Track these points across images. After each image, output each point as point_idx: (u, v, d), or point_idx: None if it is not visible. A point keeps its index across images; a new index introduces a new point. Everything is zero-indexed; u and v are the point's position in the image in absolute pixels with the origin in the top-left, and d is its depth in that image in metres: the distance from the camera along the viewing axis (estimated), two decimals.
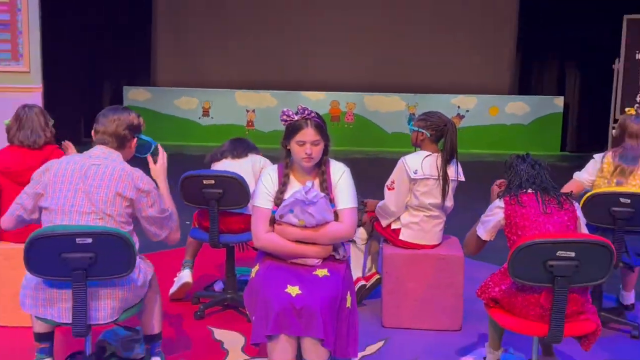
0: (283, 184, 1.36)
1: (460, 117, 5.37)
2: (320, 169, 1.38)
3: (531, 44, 5.72)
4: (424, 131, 1.63)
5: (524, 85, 5.80)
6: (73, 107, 5.09)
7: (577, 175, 1.78)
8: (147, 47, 5.76)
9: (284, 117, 1.31)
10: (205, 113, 5.52)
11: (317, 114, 1.32)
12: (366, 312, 1.80)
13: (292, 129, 1.30)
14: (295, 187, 1.36)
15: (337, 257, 1.41)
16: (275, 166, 1.46)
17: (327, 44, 5.78)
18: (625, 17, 4.29)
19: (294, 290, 1.26)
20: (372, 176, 2.65)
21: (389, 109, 5.53)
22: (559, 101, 5.53)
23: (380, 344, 1.68)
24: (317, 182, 1.38)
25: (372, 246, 1.95)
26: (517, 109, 5.54)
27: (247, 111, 5.51)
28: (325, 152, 1.34)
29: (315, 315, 1.22)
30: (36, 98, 3.33)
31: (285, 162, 1.38)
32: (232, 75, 5.80)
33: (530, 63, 5.79)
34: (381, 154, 4.91)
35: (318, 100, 5.48)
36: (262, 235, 1.36)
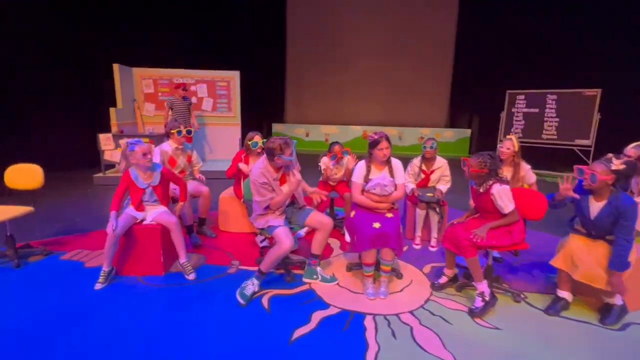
0: (368, 171, 2.75)
1: (420, 139, 11.59)
2: (387, 162, 2.76)
3: (457, 103, 11.77)
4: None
5: (452, 122, 11.86)
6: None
7: None
8: (283, 101, 12.43)
9: (371, 136, 2.71)
10: (307, 135, 12.10)
11: (385, 134, 2.72)
12: None
13: (375, 143, 2.68)
14: (374, 172, 2.74)
15: (394, 207, 2.79)
16: (364, 161, 2.83)
17: (360, 100, 12.18)
18: (508, 91, 8.38)
19: (376, 224, 2.58)
20: None
21: (388, 133, 11.79)
22: (468, 131, 11.56)
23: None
24: (387, 170, 2.75)
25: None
26: (449, 135, 11.68)
27: (325, 134, 12.07)
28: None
29: (390, 236, 2.53)
30: (237, 130, 8.24)
31: (369, 159, 2.79)
32: (319, 116, 12.32)
33: (454, 113, 11.85)
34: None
35: (357, 130, 11.89)
36: (358, 197, 2.77)
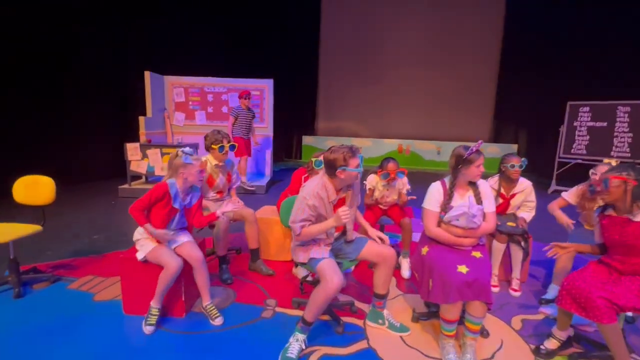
0: (449, 195, 2.08)
1: None
2: (472, 184, 2.12)
3: (502, 115, 10.86)
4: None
5: (496, 136, 10.94)
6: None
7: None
8: (314, 113, 12.00)
9: (465, 149, 2.05)
10: None
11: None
12: None
13: (470, 158, 2.03)
14: (456, 198, 2.11)
15: (480, 243, 2.13)
16: (440, 182, 2.19)
17: (395, 112, 11.53)
18: (569, 102, 7.19)
19: (463, 268, 1.88)
20: (416, 180, 4.05)
21: (425, 147, 11.04)
22: (515, 147, 10.62)
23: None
24: (472, 194, 2.12)
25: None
26: (493, 150, 10.76)
27: (358, 148, 11.42)
28: None
29: (484, 286, 1.84)
30: (269, 139, 7.40)
31: (451, 179, 2.13)
32: (352, 129, 11.76)
33: (499, 127, 10.94)
34: (421, 170, 10.47)
35: (391, 143, 11.20)
36: (434, 230, 2.11)
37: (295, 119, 11.17)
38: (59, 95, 6.12)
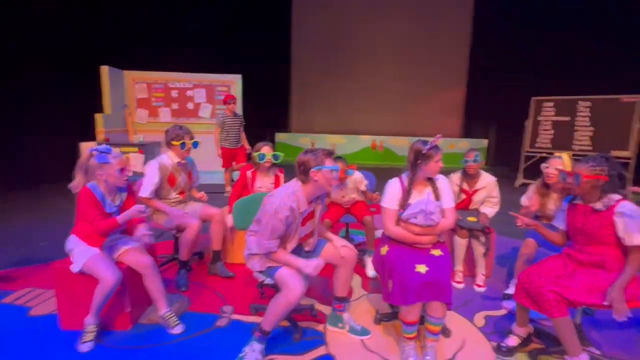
0: (407, 193, 1.99)
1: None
2: (430, 180, 2.04)
3: (472, 111, 11.07)
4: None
5: (466, 132, 11.16)
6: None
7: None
8: (287, 109, 11.80)
9: (422, 144, 1.97)
10: (313, 145, 11.41)
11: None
12: None
13: (429, 153, 1.95)
14: (414, 195, 2.01)
15: (441, 240, 2.05)
16: (398, 179, 2.06)
17: (369, 109, 11.52)
18: (533, 98, 7.31)
19: (422, 268, 1.79)
20: (389, 176, 4.15)
21: (398, 143, 11.09)
22: (485, 142, 10.84)
23: None
24: (430, 190, 2.03)
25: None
26: (464, 145, 10.94)
27: (332, 145, 11.36)
28: None
29: (444, 286, 1.76)
30: None
31: (409, 176, 2.03)
32: (326, 125, 11.66)
33: (470, 122, 11.15)
34: (394, 166, 10.51)
35: (365, 140, 11.18)
36: (393, 229, 2.02)
37: (268, 116, 10.94)
38: (7, 92, 5.67)
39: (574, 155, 6.94)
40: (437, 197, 2.05)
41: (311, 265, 1.84)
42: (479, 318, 2.41)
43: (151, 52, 7.49)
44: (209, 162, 6.58)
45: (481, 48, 10.16)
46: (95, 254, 2.05)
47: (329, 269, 2.93)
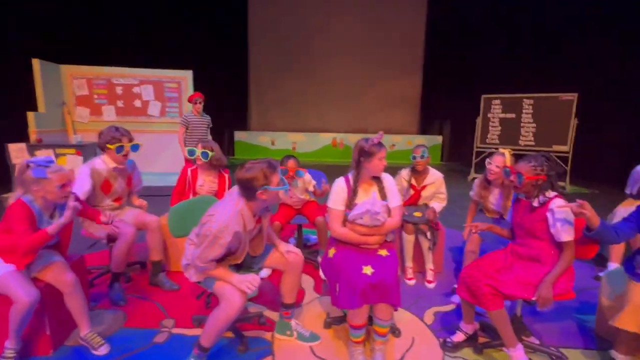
0: (353, 192, 1.91)
1: (392, 146, 11.10)
2: (376, 179, 1.96)
3: (428, 109, 11.42)
4: None
5: (423, 129, 11.45)
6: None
7: None
8: (245, 107, 11.46)
9: (366, 142, 1.92)
10: (273, 144, 11.21)
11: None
12: None
13: (371, 151, 1.90)
14: (360, 194, 1.94)
15: (388, 239, 1.99)
16: (343, 178, 1.98)
17: (329, 107, 11.51)
18: (483, 96, 7.64)
19: (368, 269, 1.75)
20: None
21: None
22: (439, 138, 11.22)
23: None
24: (376, 189, 1.98)
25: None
26: (420, 142, 11.25)
27: (293, 143, 11.22)
28: None
29: (390, 287, 1.70)
30: None
31: (354, 174, 1.96)
32: (286, 123, 11.47)
33: (426, 120, 11.50)
34: None
35: (326, 137, 11.18)
36: (338, 230, 1.95)
37: (225, 114, 10.57)
38: None
39: (519, 150, 7.31)
40: (383, 197, 2.01)
41: (244, 282, 1.72)
42: (429, 315, 2.42)
43: (93, 46, 6.95)
44: (168, 164, 6.25)
45: (435, 47, 10.47)
46: (8, 272, 1.80)
47: (278, 274, 2.84)
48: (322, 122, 11.23)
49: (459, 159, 9.93)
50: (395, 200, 2.03)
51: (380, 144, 1.96)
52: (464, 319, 2.07)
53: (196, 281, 1.85)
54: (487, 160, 2.67)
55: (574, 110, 6.78)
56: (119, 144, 2.48)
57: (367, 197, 1.99)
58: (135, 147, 2.59)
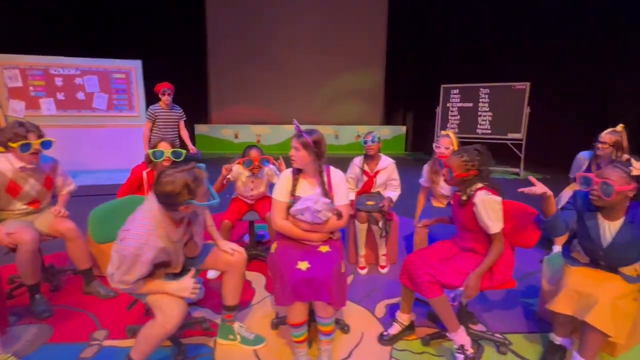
0: (294, 184, 1.85)
1: (357, 136, 11.12)
2: (321, 175, 1.87)
3: (392, 99, 11.52)
4: None
5: (387, 119, 11.57)
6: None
7: None
8: (206, 99, 11.00)
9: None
10: (236, 137, 10.87)
11: (308, 133, 1.81)
12: None
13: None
14: (305, 187, 1.87)
15: (333, 237, 1.91)
16: (290, 169, 1.94)
17: (294, 98, 11.31)
18: (442, 86, 7.75)
19: (304, 265, 1.66)
20: None
21: (323, 132, 11.07)
22: (403, 128, 11.37)
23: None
24: (320, 184, 1.87)
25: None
26: (385, 132, 11.36)
27: (257, 135, 10.95)
28: (318, 159, 1.82)
29: (323, 284, 1.61)
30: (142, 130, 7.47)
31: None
32: (249, 116, 11.15)
33: (389, 110, 11.60)
34: None
35: (290, 129, 10.91)
36: (280, 222, 1.87)
37: (183, 106, 10.10)
38: None
39: (476, 139, 7.48)
40: (327, 193, 1.91)
41: (185, 290, 1.58)
42: (380, 308, 2.39)
43: (27, 33, 6.34)
44: (118, 160, 5.84)
45: (397, 38, 10.51)
46: None
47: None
48: (285, 114, 11.02)
49: (423, 148, 10.10)
50: (342, 198, 1.92)
51: (299, 135, 1.86)
52: (401, 309, 2.05)
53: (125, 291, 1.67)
54: (434, 144, 2.67)
55: (526, 99, 7.02)
56: (24, 141, 2.16)
57: (312, 191, 1.89)
58: (47, 145, 2.27)
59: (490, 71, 8.01)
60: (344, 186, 1.94)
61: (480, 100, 7.51)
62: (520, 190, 1.69)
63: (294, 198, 1.89)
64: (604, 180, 1.52)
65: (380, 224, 2.77)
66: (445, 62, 9.34)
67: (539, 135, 7.24)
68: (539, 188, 1.64)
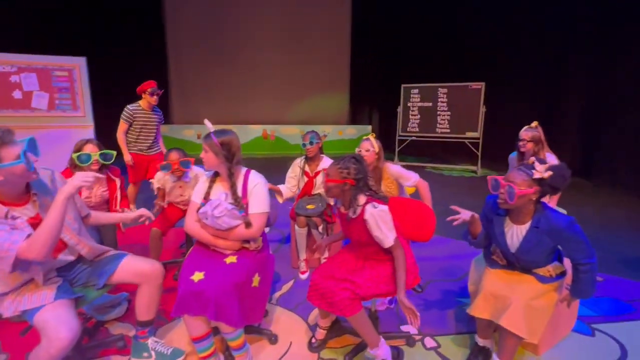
0: (209, 186, 1.79)
1: (324, 136, 11.08)
2: (231, 178, 1.73)
3: (357, 99, 11.58)
4: None
5: (353, 118, 11.61)
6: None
7: None
8: (166, 98, 10.58)
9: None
10: (199, 137, 10.50)
11: (219, 134, 1.70)
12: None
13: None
14: (218, 189, 1.78)
15: (248, 247, 1.76)
16: (212, 171, 1.83)
17: (258, 97, 11.11)
18: (403, 85, 7.92)
19: (198, 276, 1.56)
20: (282, 166, 3.64)
21: (289, 132, 10.99)
22: (369, 127, 11.45)
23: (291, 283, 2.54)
24: (230, 190, 1.75)
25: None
26: (351, 132, 11.40)
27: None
28: (229, 162, 1.69)
29: (210, 300, 1.47)
30: (90, 133, 5.47)
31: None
32: (213, 116, 10.77)
33: (355, 110, 11.66)
34: (287, 155, 10.34)
35: (256, 129, 10.78)
36: (190, 224, 1.79)
37: None
38: None
39: (436, 138, 7.60)
40: (240, 199, 1.79)
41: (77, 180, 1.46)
42: (315, 314, 2.31)
43: None
44: (61, 163, 5.45)
45: (361, 37, 10.56)
46: None
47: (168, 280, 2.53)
48: (250, 113, 10.82)
49: (386, 148, 10.15)
50: (258, 206, 1.79)
51: (207, 136, 1.74)
52: (320, 315, 1.99)
53: (11, 316, 1.50)
54: (357, 148, 2.67)
55: (482, 98, 7.21)
56: None
57: (221, 195, 1.79)
58: None
59: (449, 71, 8.19)
60: (261, 193, 1.80)
61: (439, 100, 7.65)
62: (449, 219, 1.82)
63: (205, 201, 1.78)
64: (509, 184, 1.50)
65: (321, 228, 2.70)
66: (406, 62, 9.48)
67: (494, 134, 7.46)
68: (464, 215, 1.79)
